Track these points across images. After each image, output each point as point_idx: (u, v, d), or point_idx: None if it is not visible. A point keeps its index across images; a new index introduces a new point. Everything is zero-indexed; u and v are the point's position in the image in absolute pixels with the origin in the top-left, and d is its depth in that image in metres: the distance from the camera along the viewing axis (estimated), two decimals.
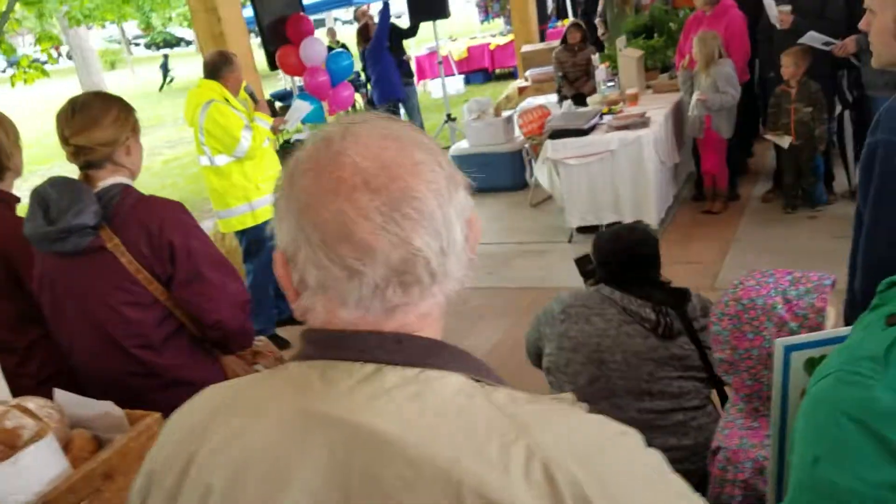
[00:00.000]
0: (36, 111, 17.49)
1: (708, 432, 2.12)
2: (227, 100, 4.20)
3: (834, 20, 4.84)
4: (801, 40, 4.75)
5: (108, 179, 1.89)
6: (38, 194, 1.82)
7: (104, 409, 1.59)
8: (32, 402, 1.50)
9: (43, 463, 1.34)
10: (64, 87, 20.33)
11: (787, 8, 5.00)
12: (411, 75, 9.60)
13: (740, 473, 1.60)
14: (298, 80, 7.51)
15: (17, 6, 6.94)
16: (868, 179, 1.52)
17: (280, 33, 6.07)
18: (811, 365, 1.39)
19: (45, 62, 7.91)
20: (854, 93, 5.03)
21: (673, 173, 5.77)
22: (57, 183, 1.82)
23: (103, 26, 20.00)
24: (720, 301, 1.63)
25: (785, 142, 5.03)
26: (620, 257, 2.28)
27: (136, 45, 39.34)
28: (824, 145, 5.05)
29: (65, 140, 1.87)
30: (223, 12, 5.33)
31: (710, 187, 5.62)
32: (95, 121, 1.87)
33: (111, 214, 1.86)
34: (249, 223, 4.34)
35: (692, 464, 2.09)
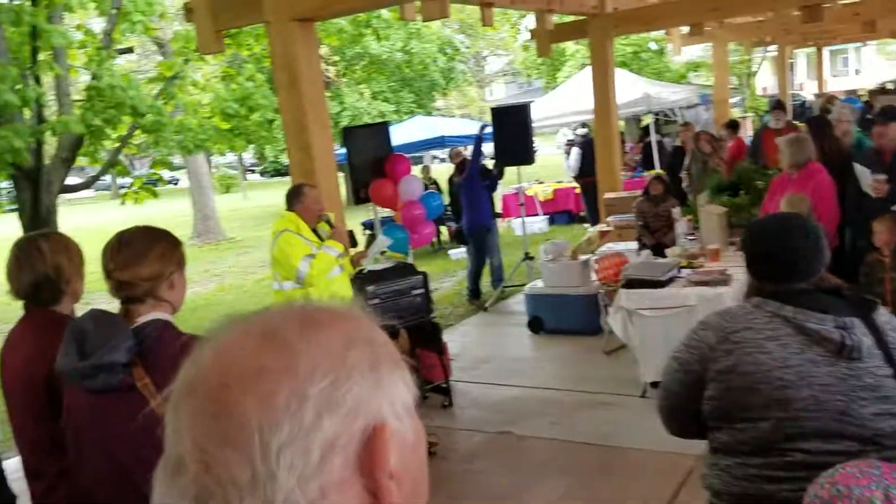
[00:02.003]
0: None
1: None
2: (298, 227, 4.42)
3: None
4: None
5: (147, 315, 1.86)
6: (75, 328, 1.80)
7: None
8: None
9: None
10: (175, 206, 21.92)
11: (883, 177, 4.82)
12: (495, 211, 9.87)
13: None
14: (381, 212, 7.89)
15: (137, 132, 7.58)
16: None
17: (372, 170, 6.68)
18: None
19: (156, 182, 8.49)
20: None
21: None
22: (95, 316, 1.81)
23: (223, 154, 21.62)
24: (815, 482, 1.46)
25: None
26: (773, 247, 1.88)
27: (252, 171, 42.30)
28: None
29: (108, 274, 1.85)
30: (316, 151, 5.65)
31: None
32: (140, 256, 1.85)
33: (146, 351, 1.81)
34: None
35: None
